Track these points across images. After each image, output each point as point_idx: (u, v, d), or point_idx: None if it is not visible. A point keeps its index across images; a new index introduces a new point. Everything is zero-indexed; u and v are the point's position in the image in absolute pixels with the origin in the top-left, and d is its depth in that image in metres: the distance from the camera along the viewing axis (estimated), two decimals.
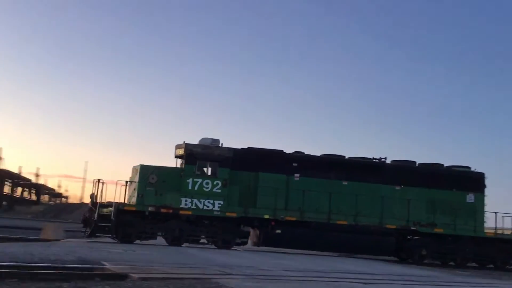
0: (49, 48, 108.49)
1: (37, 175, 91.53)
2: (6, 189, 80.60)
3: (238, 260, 12.42)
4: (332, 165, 19.47)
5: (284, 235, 18.17)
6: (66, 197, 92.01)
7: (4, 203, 76.88)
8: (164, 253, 13.23)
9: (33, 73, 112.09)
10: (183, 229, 17.64)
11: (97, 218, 17.30)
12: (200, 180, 17.90)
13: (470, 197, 19.97)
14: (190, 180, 17.83)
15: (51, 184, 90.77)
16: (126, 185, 17.80)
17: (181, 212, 17.59)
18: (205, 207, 17.78)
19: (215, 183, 17.97)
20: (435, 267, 17.75)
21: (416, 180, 19.78)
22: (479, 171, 20.72)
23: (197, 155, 18.12)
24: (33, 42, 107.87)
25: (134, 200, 17.87)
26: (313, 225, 18.41)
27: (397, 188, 19.57)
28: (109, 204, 17.62)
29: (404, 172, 19.97)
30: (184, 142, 18.49)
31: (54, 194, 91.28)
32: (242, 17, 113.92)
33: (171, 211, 17.55)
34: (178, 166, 18.83)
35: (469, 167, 20.88)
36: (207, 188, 17.90)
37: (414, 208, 19.33)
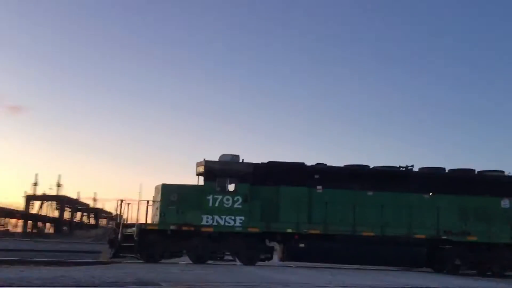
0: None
1: (94, 200, 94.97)
2: (66, 215, 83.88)
3: (295, 277, 12.35)
4: (355, 175, 19.06)
5: (308, 249, 17.88)
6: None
7: (64, 228, 79.83)
8: (221, 272, 13.38)
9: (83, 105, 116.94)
10: (206, 246, 17.66)
11: (120, 239, 17.62)
12: (220, 197, 17.93)
13: (505, 203, 19.09)
14: (210, 197, 17.88)
15: (108, 207, 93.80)
16: (147, 205, 18.05)
17: (202, 229, 17.64)
18: (226, 224, 17.76)
19: (235, 199, 17.96)
20: (480, 278, 17.06)
21: (446, 187, 19.07)
22: None
23: (216, 172, 18.18)
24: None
25: (157, 219, 18.08)
26: (337, 238, 18.05)
27: (426, 196, 18.92)
28: (132, 225, 17.92)
29: (433, 180, 19.29)
30: (204, 159, 18.63)
31: (111, 217, 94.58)
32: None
33: (192, 228, 17.62)
34: (200, 183, 18.95)
35: (503, 171, 20.01)
36: (227, 204, 17.89)
37: (445, 216, 18.63)
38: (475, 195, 18.95)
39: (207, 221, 17.70)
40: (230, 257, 18.45)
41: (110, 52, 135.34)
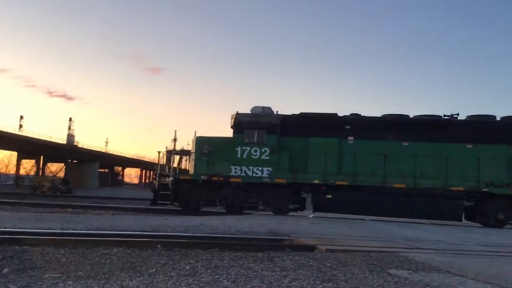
0: None
1: None
2: None
3: (425, 234, 12.23)
4: (390, 125, 18.48)
5: (335, 200, 18.01)
6: None
7: None
8: (349, 226, 13.74)
9: None
10: (236, 196, 18.59)
11: (158, 187, 19.23)
12: (248, 148, 18.58)
13: None
14: (239, 149, 18.62)
15: None
16: (180, 156, 19.36)
17: (231, 179, 18.54)
18: (254, 174, 18.46)
19: (263, 150, 18.51)
20: None
21: (494, 136, 17.76)
22: None
23: (244, 124, 18.79)
24: None
25: (192, 169, 19.34)
26: (366, 190, 17.91)
27: (469, 146, 17.81)
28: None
29: (479, 129, 18.03)
30: (236, 112, 19.31)
31: None
32: None
33: (222, 179, 18.61)
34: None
35: None
36: (255, 155, 18.52)
37: (489, 167, 17.49)
38: None
39: (235, 172, 18.53)
40: (261, 207, 19.18)
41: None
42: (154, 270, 5.67)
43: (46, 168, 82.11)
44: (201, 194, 18.88)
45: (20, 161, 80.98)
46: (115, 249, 7.09)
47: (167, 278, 5.22)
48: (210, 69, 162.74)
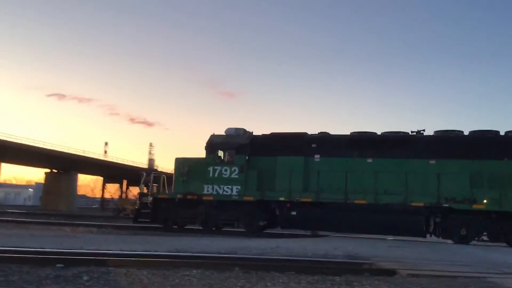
0: None
1: None
2: None
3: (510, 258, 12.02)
4: (355, 143, 19.20)
5: (300, 217, 18.85)
6: None
7: None
8: (431, 249, 13.65)
9: None
10: (209, 214, 19.88)
11: (139, 206, 20.91)
12: (219, 168, 19.90)
13: None
14: (211, 168, 19.97)
15: None
16: (159, 176, 20.98)
17: (204, 198, 19.88)
18: (224, 193, 19.70)
19: (232, 169, 19.76)
20: None
21: (457, 151, 18.05)
22: None
23: (216, 145, 20.19)
24: None
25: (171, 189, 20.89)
26: (329, 206, 18.64)
27: (431, 162, 18.18)
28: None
29: (443, 144, 18.36)
30: (211, 134, 20.74)
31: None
32: None
33: (195, 197, 19.99)
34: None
35: None
36: (225, 174, 19.80)
37: (451, 183, 17.71)
38: (491, 159, 17.61)
39: (207, 190, 19.89)
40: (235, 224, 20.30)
41: None
42: None
43: (128, 191, 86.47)
44: (178, 212, 20.32)
45: (105, 185, 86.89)
46: (194, 271, 7.44)
47: None
48: (281, 92, 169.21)
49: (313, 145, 19.47)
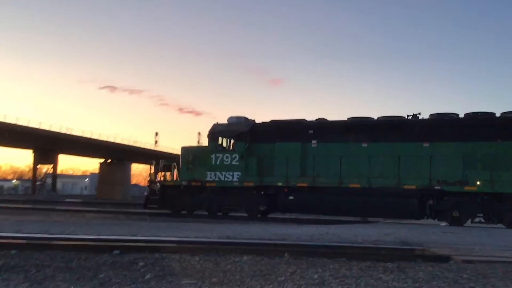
0: None
1: None
2: None
3: None
4: (350, 128, 19.71)
5: (296, 201, 19.61)
6: None
7: None
8: (488, 235, 13.39)
9: None
10: (213, 199, 20.90)
11: (148, 193, 22.18)
12: (221, 155, 20.85)
13: None
14: (213, 156, 20.96)
15: None
16: (165, 165, 22.17)
17: (207, 184, 20.91)
18: (226, 179, 20.66)
19: (233, 156, 20.67)
20: None
21: (451, 134, 18.27)
22: None
23: (217, 133, 21.15)
24: None
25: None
26: (325, 190, 19.27)
27: (425, 145, 18.48)
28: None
29: (436, 127, 18.63)
30: (214, 123, 21.71)
31: None
32: None
33: (199, 184, 21.06)
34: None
35: None
36: (227, 161, 20.74)
37: (444, 165, 18.00)
38: (484, 141, 17.78)
39: (210, 177, 20.90)
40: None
41: None
42: (283, 278, 6.01)
43: None
44: (183, 198, 21.46)
45: (157, 174, 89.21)
46: (245, 257, 7.55)
47: (295, 286, 5.57)
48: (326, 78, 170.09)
49: (310, 131, 20.10)
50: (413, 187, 18.21)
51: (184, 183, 21.35)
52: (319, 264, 7.14)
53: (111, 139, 74.34)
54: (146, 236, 10.35)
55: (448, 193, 17.92)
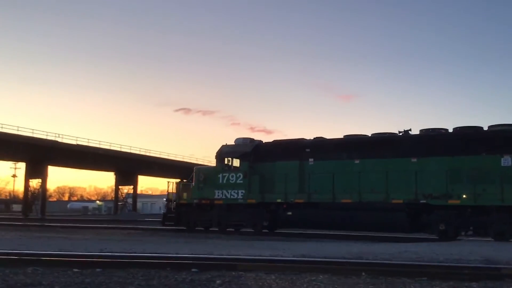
0: None
1: None
2: None
3: None
4: (344, 146, 20.84)
5: (294, 216, 20.93)
6: None
7: None
8: None
9: None
10: (221, 216, 22.65)
11: (166, 211, 24.32)
12: (227, 174, 22.65)
13: (506, 160, 17.68)
14: (220, 175, 22.81)
15: None
16: (176, 185, 24.23)
17: (215, 202, 22.76)
18: (231, 196, 22.40)
19: (238, 175, 22.37)
20: None
21: (438, 149, 18.89)
22: None
23: (224, 154, 22.97)
24: None
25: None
26: (320, 206, 20.39)
27: (413, 160, 19.18)
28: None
29: (425, 142, 19.34)
30: (224, 144, 23.53)
31: None
32: None
33: (208, 202, 22.91)
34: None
35: None
36: (232, 180, 22.47)
37: (430, 179, 18.64)
38: (469, 155, 18.22)
39: (218, 195, 22.72)
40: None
41: None
42: None
43: None
44: (196, 215, 23.39)
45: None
46: (321, 276, 7.55)
47: None
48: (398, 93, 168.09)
49: (307, 150, 21.37)
50: (400, 201, 18.98)
51: (195, 201, 23.31)
52: (399, 283, 7.03)
53: (186, 159, 78.11)
54: (221, 254, 10.65)
55: (435, 207, 18.44)
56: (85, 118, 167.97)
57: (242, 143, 23.19)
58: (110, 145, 64.76)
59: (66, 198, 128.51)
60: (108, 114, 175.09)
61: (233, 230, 22.69)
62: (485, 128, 18.81)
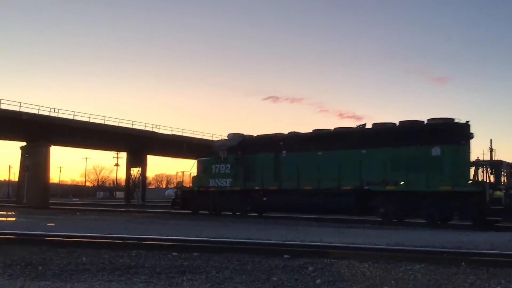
0: None
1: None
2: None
3: None
4: (311, 139, 24.40)
5: (269, 202, 24.85)
6: None
7: None
8: None
9: None
10: (216, 200, 27.01)
11: (175, 196, 29.11)
12: (219, 165, 26.94)
13: (436, 151, 20.37)
14: (213, 166, 27.18)
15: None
16: (183, 174, 28.83)
17: (210, 189, 27.17)
18: (221, 184, 26.73)
19: (226, 166, 26.62)
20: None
21: (384, 141, 21.91)
22: (461, 121, 20.62)
23: (217, 147, 27.33)
24: None
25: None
26: (289, 192, 24.08)
27: (363, 151, 22.34)
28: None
29: (374, 135, 22.43)
30: (219, 139, 27.81)
31: None
32: None
33: (205, 189, 27.32)
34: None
35: (452, 119, 20.85)
36: (222, 170, 26.75)
37: (375, 168, 21.69)
38: (406, 146, 21.13)
39: (212, 183, 27.13)
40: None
41: None
42: None
43: None
44: (197, 200, 27.92)
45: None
46: (417, 265, 7.46)
47: None
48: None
49: (281, 143, 25.13)
50: (349, 188, 22.24)
51: (195, 188, 27.86)
52: (503, 275, 6.88)
53: None
54: (313, 242, 10.80)
55: (376, 193, 21.54)
56: (180, 110, 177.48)
57: (232, 138, 27.35)
58: (203, 135, 67.38)
59: (163, 185, 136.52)
60: (199, 105, 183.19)
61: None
62: (426, 122, 21.52)
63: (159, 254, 8.66)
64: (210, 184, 27.29)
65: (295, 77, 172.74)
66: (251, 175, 25.91)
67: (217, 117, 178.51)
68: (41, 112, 49.45)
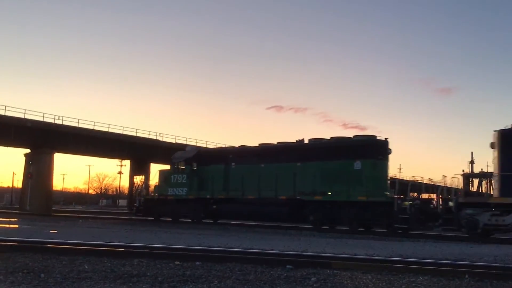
0: None
1: None
2: None
3: None
4: (256, 153, 27.12)
5: (218, 209, 27.51)
6: None
7: None
8: None
9: None
10: (174, 208, 29.70)
11: (137, 204, 31.86)
12: (176, 175, 29.69)
13: (357, 164, 22.95)
14: (172, 176, 29.94)
15: None
16: (144, 182, 31.54)
17: (168, 197, 29.90)
18: (178, 193, 29.43)
19: (183, 176, 29.36)
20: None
21: (317, 155, 24.55)
22: (382, 138, 23.21)
23: (175, 159, 30.08)
24: None
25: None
26: (235, 201, 26.72)
27: (299, 164, 24.96)
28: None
29: (308, 150, 25.09)
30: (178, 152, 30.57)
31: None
32: None
33: (164, 197, 30.03)
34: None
35: (374, 136, 23.46)
36: (179, 180, 29.47)
37: (307, 180, 24.28)
38: (333, 160, 23.76)
39: (170, 192, 29.83)
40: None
41: None
42: None
43: None
44: (157, 208, 30.64)
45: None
46: (420, 277, 7.56)
47: None
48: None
49: (230, 156, 27.81)
50: (284, 197, 24.83)
51: (156, 196, 30.56)
52: None
53: None
54: (316, 252, 10.91)
55: (306, 202, 24.11)
56: (184, 119, 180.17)
57: (189, 150, 30.13)
58: (206, 143, 66.10)
59: None
60: (203, 114, 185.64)
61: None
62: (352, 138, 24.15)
63: (161, 263, 8.75)
64: (169, 193, 29.98)
65: (299, 87, 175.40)
66: (204, 185, 28.57)
67: (220, 126, 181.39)
68: (46, 120, 49.75)
